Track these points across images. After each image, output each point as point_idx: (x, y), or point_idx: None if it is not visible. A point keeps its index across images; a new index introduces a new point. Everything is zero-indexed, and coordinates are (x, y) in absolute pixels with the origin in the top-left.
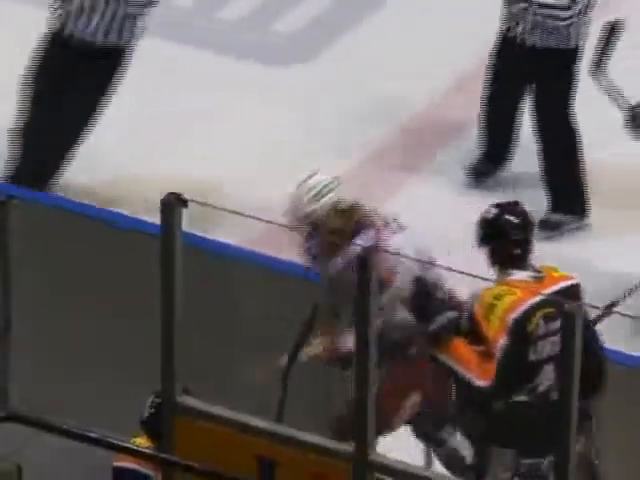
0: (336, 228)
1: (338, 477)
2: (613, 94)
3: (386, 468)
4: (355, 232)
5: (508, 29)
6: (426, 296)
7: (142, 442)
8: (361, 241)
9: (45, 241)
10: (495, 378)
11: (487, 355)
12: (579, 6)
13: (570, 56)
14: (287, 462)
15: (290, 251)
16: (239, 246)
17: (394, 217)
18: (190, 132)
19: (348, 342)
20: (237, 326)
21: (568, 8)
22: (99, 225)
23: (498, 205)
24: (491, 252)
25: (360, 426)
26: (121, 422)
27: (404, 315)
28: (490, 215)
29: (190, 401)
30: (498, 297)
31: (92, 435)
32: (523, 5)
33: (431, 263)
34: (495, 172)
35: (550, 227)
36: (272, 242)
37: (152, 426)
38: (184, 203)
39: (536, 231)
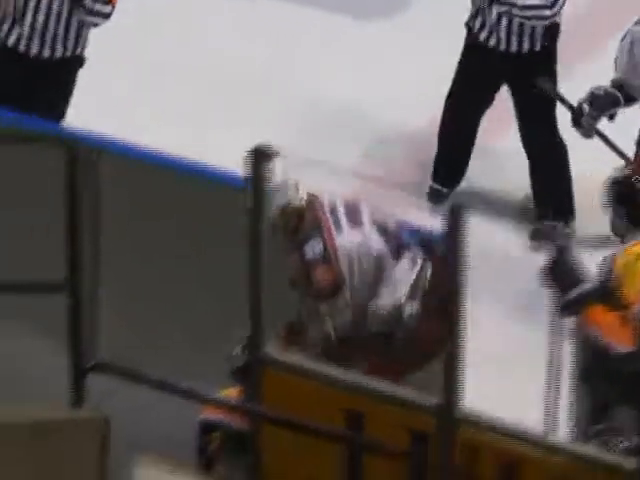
0: (284, 228)
1: (427, 430)
2: (557, 96)
3: (471, 422)
4: (305, 233)
5: (484, 38)
6: (565, 265)
7: (230, 394)
8: (309, 247)
9: (132, 193)
10: (637, 342)
11: (628, 319)
12: (560, 1)
13: (554, 54)
14: (375, 415)
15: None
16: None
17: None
18: None
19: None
20: None
21: (552, 6)
22: (185, 178)
23: (630, 165)
24: (625, 213)
25: (446, 381)
26: (208, 375)
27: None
28: (623, 176)
29: (278, 353)
30: (636, 260)
31: (180, 386)
32: (504, 9)
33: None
34: (450, 192)
35: (541, 236)
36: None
37: (242, 378)
38: (272, 155)
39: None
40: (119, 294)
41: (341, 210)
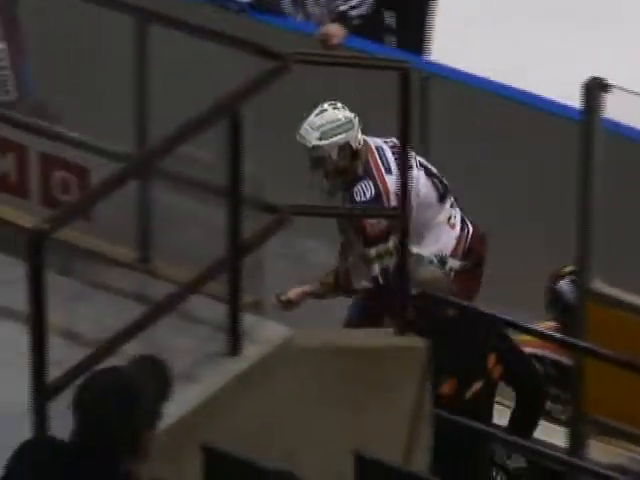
0: (337, 167)
1: None
2: None
3: None
4: (356, 175)
5: None
6: None
7: (547, 327)
8: (358, 189)
9: (462, 118)
10: None
11: None
12: None
13: None
14: None
15: None
16: None
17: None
18: None
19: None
20: None
21: None
22: (516, 105)
23: None
24: None
25: None
26: (528, 307)
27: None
28: None
29: (604, 288)
30: None
31: (504, 317)
32: None
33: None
34: None
35: None
36: None
37: (564, 312)
38: (607, 88)
39: None
40: None
41: (389, 154)
